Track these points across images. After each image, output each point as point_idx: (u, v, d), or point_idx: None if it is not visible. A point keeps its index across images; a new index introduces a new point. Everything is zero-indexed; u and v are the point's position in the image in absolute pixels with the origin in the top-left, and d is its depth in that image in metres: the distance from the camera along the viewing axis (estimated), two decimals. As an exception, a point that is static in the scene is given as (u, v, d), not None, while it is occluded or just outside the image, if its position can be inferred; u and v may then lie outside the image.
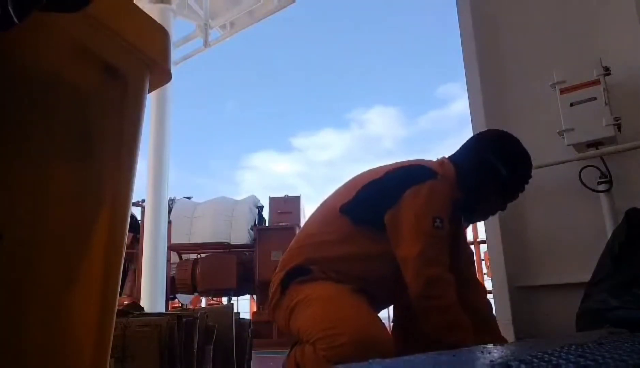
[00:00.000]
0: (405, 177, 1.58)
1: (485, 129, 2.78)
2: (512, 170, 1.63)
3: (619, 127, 2.26)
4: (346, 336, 1.28)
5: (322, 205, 1.71)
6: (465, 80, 2.96)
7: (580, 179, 2.38)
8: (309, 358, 1.35)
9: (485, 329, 1.61)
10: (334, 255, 1.50)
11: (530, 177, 1.70)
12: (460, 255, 1.71)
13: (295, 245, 1.63)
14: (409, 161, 1.69)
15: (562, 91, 2.41)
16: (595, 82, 2.33)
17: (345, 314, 1.36)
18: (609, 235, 2.04)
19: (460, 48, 3.02)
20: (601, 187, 2.33)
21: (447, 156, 1.75)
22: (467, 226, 1.90)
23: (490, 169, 1.63)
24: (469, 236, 5.99)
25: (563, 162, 2.45)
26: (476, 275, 1.83)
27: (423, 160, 1.72)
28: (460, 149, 1.74)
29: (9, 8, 0.50)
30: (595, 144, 2.34)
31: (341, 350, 1.27)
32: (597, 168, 2.36)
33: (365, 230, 1.54)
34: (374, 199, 1.56)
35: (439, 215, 1.49)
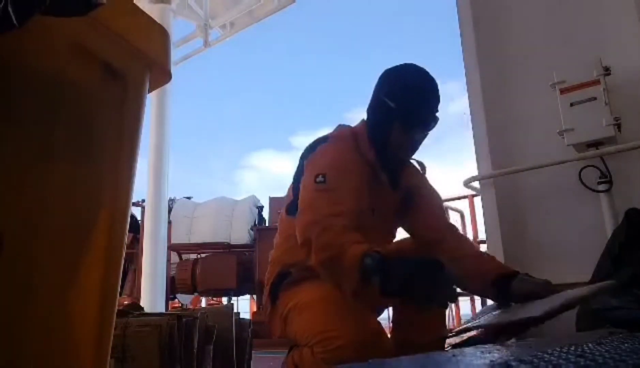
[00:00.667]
0: (305, 154, 1.57)
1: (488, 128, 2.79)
2: (399, 100, 1.50)
3: (619, 127, 2.26)
4: (343, 338, 1.27)
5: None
6: (465, 80, 2.96)
7: (580, 179, 2.38)
8: (307, 360, 1.34)
9: (481, 262, 1.56)
10: (300, 257, 1.38)
11: (420, 99, 1.52)
12: (415, 211, 1.66)
13: (270, 262, 1.64)
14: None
15: (562, 91, 2.41)
16: (595, 82, 2.32)
17: (340, 315, 1.34)
18: (609, 235, 2.04)
19: (460, 48, 3.02)
20: (601, 187, 2.33)
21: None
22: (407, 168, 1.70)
23: (380, 107, 1.55)
24: (469, 236, 5.98)
25: (563, 162, 2.45)
26: (448, 227, 1.69)
27: (343, 126, 1.67)
28: None
29: (10, 11, 0.50)
30: (595, 144, 2.34)
31: (339, 352, 1.25)
32: (597, 168, 2.36)
33: None
34: (298, 188, 1.54)
35: (320, 171, 1.42)
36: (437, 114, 1.54)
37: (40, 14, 0.56)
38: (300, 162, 1.59)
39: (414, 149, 1.60)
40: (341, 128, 1.64)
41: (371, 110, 1.61)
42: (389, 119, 1.52)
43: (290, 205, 1.58)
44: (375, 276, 1.15)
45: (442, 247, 1.59)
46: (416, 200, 1.68)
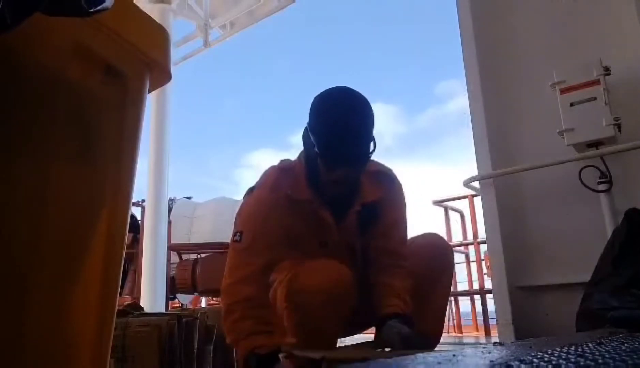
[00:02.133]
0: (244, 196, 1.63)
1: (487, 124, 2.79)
2: (317, 136, 1.37)
3: (619, 127, 2.26)
4: (310, 279, 1.33)
5: None
6: (465, 80, 2.96)
7: (580, 179, 2.38)
8: (280, 295, 1.38)
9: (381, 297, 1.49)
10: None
11: (337, 135, 1.35)
12: (376, 226, 1.55)
13: None
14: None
15: (562, 91, 2.41)
16: (595, 82, 2.33)
17: (310, 264, 1.39)
18: (609, 235, 2.03)
19: (460, 48, 3.02)
20: (601, 187, 2.33)
21: None
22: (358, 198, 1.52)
23: (306, 141, 1.44)
24: (469, 236, 5.98)
25: (563, 162, 2.45)
26: (393, 262, 1.55)
27: (288, 159, 1.59)
28: None
29: (5, 13, 0.50)
30: (595, 144, 2.35)
31: (301, 296, 1.32)
32: (597, 168, 2.36)
33: None
34: None
35: (238, 229, 1.48)
36: (367, 148, 1.38)
37: (39, 12, 0.56)
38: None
39: (349, 185, 1.47)
40: (271, 168, 1.54)
41: (303, 142, 1.48)
42: (314, 154, 1.39)
43: None
44: None
45: (378, 263, 1.55)
46: (380, 218, 1.56)
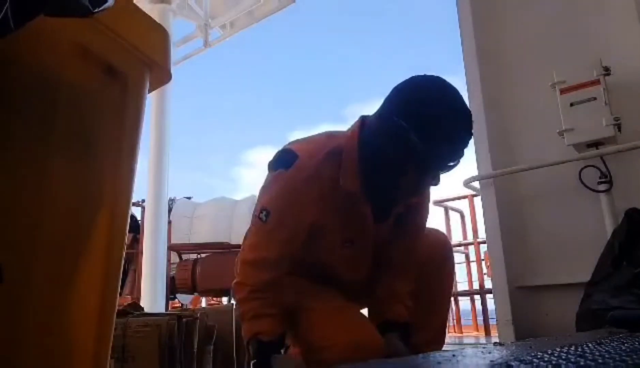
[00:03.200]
0: (270, 167, 1.39)
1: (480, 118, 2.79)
2: (425, 137, 1.15)
3: (619, 127, 2.26)
4: (336, 348, 1.28)
5: None
6: (465, 80, 2.96)
7: (580, 179, 2.38)
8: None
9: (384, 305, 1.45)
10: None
11: (455, 145, 1.20)
12: (389, 251, 1.47)
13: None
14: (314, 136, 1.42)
15: (562, 91, 2.41)
16: (595, 82, 2.33)
17: (329, 320, 1.34)
18: (609, 235, 2.04)
19: (460, 48, 3.02)
20: (601, 187, 2.33)
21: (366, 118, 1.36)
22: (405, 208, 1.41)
23: (395, 135, 1.19)
24: (469, 236, 5.98)
25: (563, 162, 2.45)
26: (405, 263, 1.49)
27: (333, 133, 1.41)
28: (379, 107, 1.29)
29: (9, 15, 0.50)
30: (595, 144, 2.35)
31: (331, 362, 1.24)
32: (597, 168, 2.36)
33: None
34: None
35: (266, 206, 1.31)
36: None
37: (46, 14, 0.56)
38: (268, 171, 1.41)
39: (420, 192, 1.37)
40: (320, 139, 1.37)
41: (378, 132, 1.26)
42: (403, 152, 1.19)
43: None
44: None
45: (389, 265, 1.49)
46: (410, 222, 1.47)
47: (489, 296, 5.38)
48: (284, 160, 1.32)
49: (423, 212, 1.51)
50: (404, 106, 1.20)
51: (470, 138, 1.21)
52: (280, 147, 1.40)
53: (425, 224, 1.55)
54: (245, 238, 1.45)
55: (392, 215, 1.40)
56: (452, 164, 1.22)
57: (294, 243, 1.33)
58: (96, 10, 0.59)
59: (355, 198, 1.32)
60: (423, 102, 1.19)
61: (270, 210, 1.30)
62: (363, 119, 1.36)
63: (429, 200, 1.54)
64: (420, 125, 1.16)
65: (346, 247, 1.38)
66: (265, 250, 1.32)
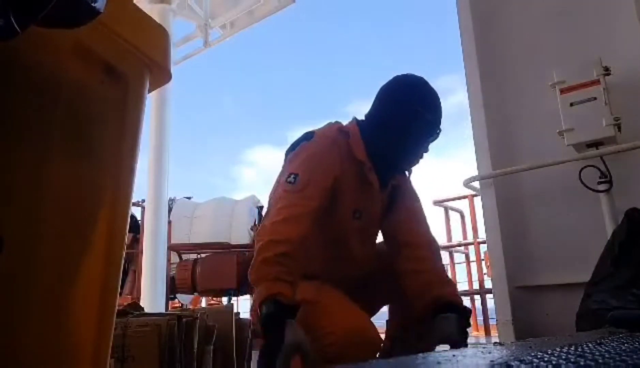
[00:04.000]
0: (289, 151, 1.59)
1: (486, 126, 2.79)
2: (423, 106, 1.53)
3: (619, 127, 2.26)
4: (335, 335, 1.32)
5: None
6: (465, 80, 2.96)
7: (580, 179, 2.39)
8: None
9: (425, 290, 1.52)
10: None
11: (438, 108, 1.57)
12: (398, 212, 1.66)
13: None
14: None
15: (562, 91, 2.41)
16: (595, 82, 2.33)
17: (329, 310, 1.40)
18: (609, 235, 2.04)
19: (460, 48, 3.02)
20: (601, 187, 2.33)
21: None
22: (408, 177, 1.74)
23: (399, 110, 1.54)
24: (469, 236, 5.98)
25: (563, 162, 2.45)
26: (426, 234, 1.67)
27: (333, 123, 1.67)
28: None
29: (11, 18, 0.50)
30: (595, 144, 2.35)
31: (331, 349, 1.31)
32: (597, 168, 2.36)
33: None
34: None
35: (293, 171, 1.46)
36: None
37: (43, 25, 0.55)
38: (285, 158, 1.61)
39: (420, 159, 1.61)
40: (330, 125, 1.63)
41: (382, 111, 1.58)
42: (407, 124, 1.51)
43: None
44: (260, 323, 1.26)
45: (403, 253, 1.59)
46: (399, 200, 1.68)
47: (489, 296, 5.38)
48: (304, 137, 1.56)
49: (408, 200, 1.71)
50: (390, 93, 1.59)
51: (441, 113, 1.56)
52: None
53: (417, 210, 1.73)
54: (266, 215, 1.51)
55: (390, 186, 1.64)
56: (437, 130, 1.55)
57: (322, 200, 1.45)
58: (100, 9, 0.59)
59: (365, 167, 1.54)
60: (407, 85, 1.58)
61: (299, 173, 1.44)
62: (355, 117, 1.66)
63: (413, 193, 1.75)
64: (417, 99, 1.52)
65: (356, 218, 1.56)
66: (295, 207, 1.40)
